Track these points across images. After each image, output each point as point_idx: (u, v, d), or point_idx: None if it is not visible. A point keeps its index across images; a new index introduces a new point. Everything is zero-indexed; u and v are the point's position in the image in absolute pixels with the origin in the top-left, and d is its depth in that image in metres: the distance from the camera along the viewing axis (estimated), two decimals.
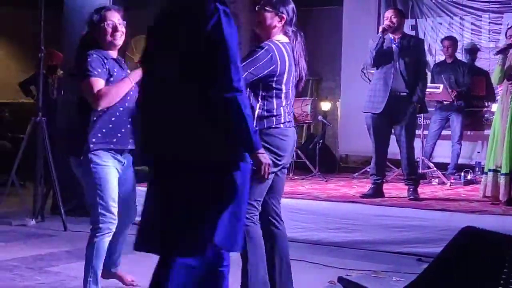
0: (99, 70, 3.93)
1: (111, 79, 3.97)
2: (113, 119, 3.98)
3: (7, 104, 10.98)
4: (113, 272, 4.41)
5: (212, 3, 2.72)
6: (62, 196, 6.69)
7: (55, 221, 6.72)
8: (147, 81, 2.97)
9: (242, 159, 2.80)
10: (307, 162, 8.77)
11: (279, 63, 3.77)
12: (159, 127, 2.80)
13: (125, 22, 4.10)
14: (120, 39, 4.06)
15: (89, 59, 3.92)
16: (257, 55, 3.73)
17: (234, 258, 5.17)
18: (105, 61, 3.98)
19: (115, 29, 4.03)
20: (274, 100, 3.82)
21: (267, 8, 3.87)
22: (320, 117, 9.35)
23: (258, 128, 3.75)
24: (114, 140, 3.99)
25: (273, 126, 3.79)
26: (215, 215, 2.72)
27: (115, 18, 4.05)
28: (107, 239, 4.00)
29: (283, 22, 3.87)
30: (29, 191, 7.23)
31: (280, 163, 3.85)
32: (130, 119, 3.98)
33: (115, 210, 4.01)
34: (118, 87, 3.95)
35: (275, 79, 3.79)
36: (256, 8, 3.93)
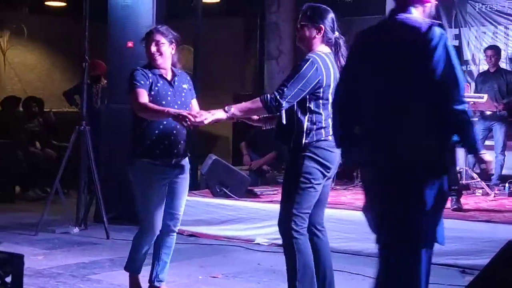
0: (142, 82, 4.18)
1: (152, 92, 4.19)
2: (156, 131, 4.18)
3: (51, 113, 11.13)
4: (157, 287, 4.45)
5: (435, 28, 3.08)
6: (105, 204, 6.76)
7: (98, 229, 6.79)
8: (370, 99, 3.24)
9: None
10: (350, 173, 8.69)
11: (324, 74, 3.79)
12: (387, 139, 3.18)
13: (170, 41, 4.27)
14: (158, 59, 4.26)
15: (134, 74, 4.23)
16: (302, 70, 3.75)
17: (270, 268, 5.18)
18: (149, 75, 4.21)
19: (156, 49, 4.25)
20: (322, 111, 3.84)
21: (304, 23, 3.91)
22: None
23: (307, 142, 3.77)
24: (157, 151, 4.19)
25: (322, 138, 3.82)
26: (438, 211, 3.16)
27: (156, 39, 4.25)
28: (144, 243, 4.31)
29: (322, 32, 3.89)
30: (73, 200, 7.32)
31: (328, 175, 3.89)
32: (174, 132, 4.19)
33: (150, 220, 4.23)
34: (156, 112, 4.12)
35: (322, 90, 3.81)
36: (298, 25, 3.97)
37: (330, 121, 3.79)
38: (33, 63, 13.62)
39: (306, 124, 3.80)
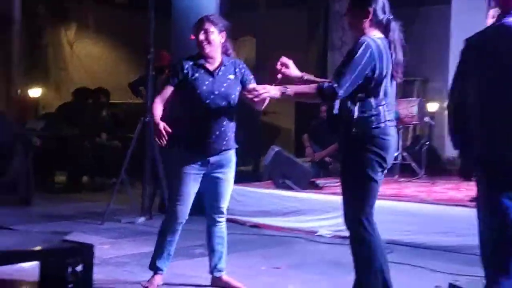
0: (172, 80, 4.28)
1: (189, 80, 4.23)
2: (188, 123, 4.25)
3: (117, 105, 11.33)
4: (217, 277, 4.49)
5: None
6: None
7: (162, 219, 6.86)
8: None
9: None
10: (413, 164, 8.60)
11: (377, 59, 3.68)
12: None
13: (220, 30, 4.26)
14: (206, 48, 4.25)
15: (173, 66, 4.44)
16: (357, 56, 3.64)
17: (333, 260, 5.16)
18: (186, 66, 4.25)
19: (204, 38, 4.25)
20: (372, 99, 3.72)
21: (353, 8, 3.83)
22: (426, 118, 9.15)
23: (358, 131, 3.69)
24: (188, 143, 4.24)
25: (374, 126, 3.70)
26: None
27: (205, 27, 4.24)
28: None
29: (370, 16, 3.77)
30: (138, 190, 7.43)
31: (385, 165, 3.78)
32: (206, 125, 4.21)
33: (173, 208, 4.34)
34: (154, 109, 4.29)
35: (374, 76, 3.69)
36: (347, 12, 3.89)
37: (381, 109, 3.71)
38: (99, 55, 13.86)
39: (356, 113, 3.69)
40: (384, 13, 3.80)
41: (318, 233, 6.45)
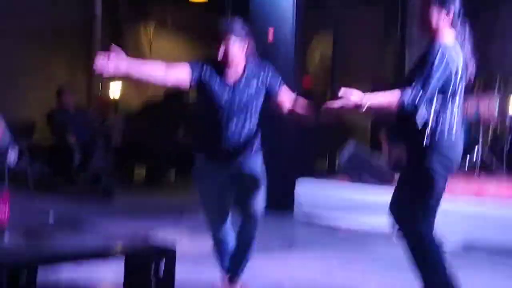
0: (193, 63, 4.07)
1: (206, 87, 3.99)
2: (205, 127, 4.09)
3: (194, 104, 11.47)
4: (236, 280, 4.29)
5: None
6: None
7: None
8: None
9: None
10: (494, 162, 8.41)
11: (452, 67, 3.59)
12: None
13: (241, 38, 3.98)
14: (226, 59, 3.97)
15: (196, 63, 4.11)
16: (436, 64, 3.54)
17: None
18: (208, 71, 4.01)
19: (225, 47, 3.98)
20: (448, 109, 3.64)
21: (431, 4, 3.66)
22: (509, 116, 8.95)
23: (430, 142, 3.62)
24: (205, 148, 4.09)
25: (446, 138, 3.63)
26: None
27: (225, 36, 3.97)
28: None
29: (450, 17, 3.66)
30: None
31: (452, 168, 3.71)
32: (222, 129, 3.98)
33: (207, 219, 4.21)
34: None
35: (450, 84, 3.61)
36: (421, 6, 3.72)
37: (454, 118, 3.63)
38: (177, 54, 14.05)
39: (431, 124, 3.61)
40: (460, 15, 3.70)
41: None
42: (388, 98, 3.59)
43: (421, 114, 3.64)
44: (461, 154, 3.77)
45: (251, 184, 4.08)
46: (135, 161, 10.11)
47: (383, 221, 6.46)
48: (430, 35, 3.67)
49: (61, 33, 11.45)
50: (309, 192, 7.02)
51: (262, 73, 4.06)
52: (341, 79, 6.68)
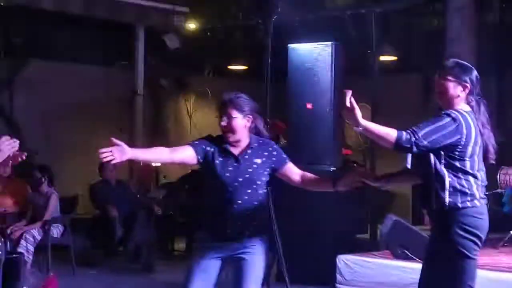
0: (197, 143, 3.97)
1: (209, 164, 3.93)
2: (207, 207, 4.02)
3: None
4: None
5: None
6: (286, 263, 6.79)
7: None
8: None
9: None
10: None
11: (465, 134, 3.60)
12: None
13: (244, 114, 3.95)
14: (228, 135, 3.95)
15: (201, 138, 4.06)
16: (444, 122, 3.58)
17: None
18: (211, 148, 3.95)
19: (227, 123, 3.96)
20: (470, 176, 3.62)
21: (450, 78, 3.73)
22: None
23: (452, 203, 3.58)
24: (205, 228, 4.02)
25: (469, 206, 3.59)
26: None
27: (228, 112, 3.97)
28: None
29: (466, 91, 3.71)
30: None
31: (481, 244, 3.64)
32: (225, 211, 3.89)
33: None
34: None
35: (459, 150, 3.61)
36: (437, 76, 3.79)
37: (476, 190, 3.61)
38: (216, 124, 14.20)
39: (447, 180, 3.58)
40: (474, 94, 3.75)
41: None
42: (385, 129, 3.59)
43: (410, 161, 3.72)
44: (487, 224, 3.67)
45: (250, 270, 3.93)
46: (175, 233, 10.10)
47: None
48: (446, 104, 3.74)
49: (106, 107, 11.73)
50: (350, 266, 6.90)
51: (268, 146, 4.03)
52: (381, 150, 6.66)
